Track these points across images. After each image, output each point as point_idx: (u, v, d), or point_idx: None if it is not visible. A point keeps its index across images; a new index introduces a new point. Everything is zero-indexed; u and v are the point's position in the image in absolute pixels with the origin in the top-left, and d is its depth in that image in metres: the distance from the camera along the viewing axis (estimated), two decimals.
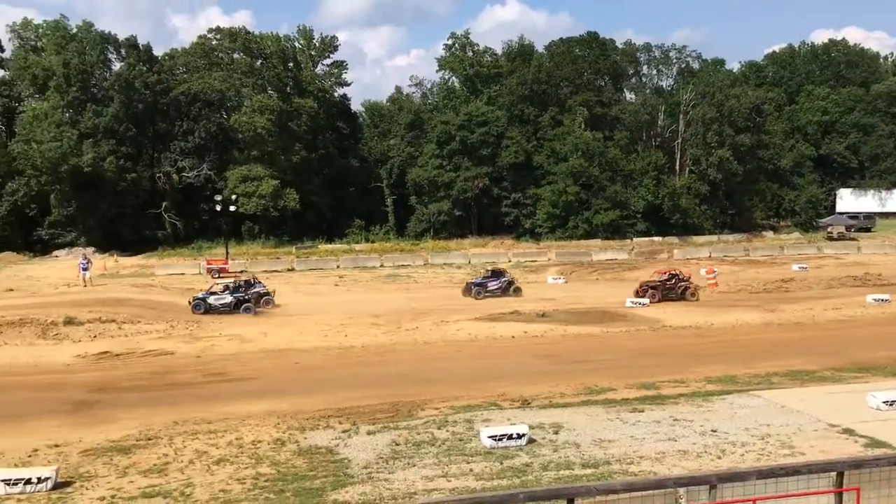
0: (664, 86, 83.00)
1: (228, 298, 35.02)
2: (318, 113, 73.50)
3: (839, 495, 8.02)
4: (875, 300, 35.08)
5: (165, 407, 19.12)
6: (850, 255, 56.79)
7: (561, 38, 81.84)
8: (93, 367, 24.78)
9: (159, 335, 29.62)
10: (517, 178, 72.44)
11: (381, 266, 53.36)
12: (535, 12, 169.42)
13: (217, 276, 48.06)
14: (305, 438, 16.26)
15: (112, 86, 67.21)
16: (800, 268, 49.06)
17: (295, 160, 70.12)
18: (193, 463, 14.79)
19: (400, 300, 37.88)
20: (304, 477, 13.88)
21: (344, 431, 16.67)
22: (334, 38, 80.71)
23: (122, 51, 71.19)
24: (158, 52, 74.38)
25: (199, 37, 76.50)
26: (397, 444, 15.58)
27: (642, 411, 17.72)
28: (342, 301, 38.42)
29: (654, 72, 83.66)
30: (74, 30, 71.94)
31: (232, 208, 58.87)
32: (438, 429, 16.63)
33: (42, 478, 13.41)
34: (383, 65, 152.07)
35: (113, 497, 13.06)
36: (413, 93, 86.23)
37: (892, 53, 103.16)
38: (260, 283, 38.17)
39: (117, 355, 26.26)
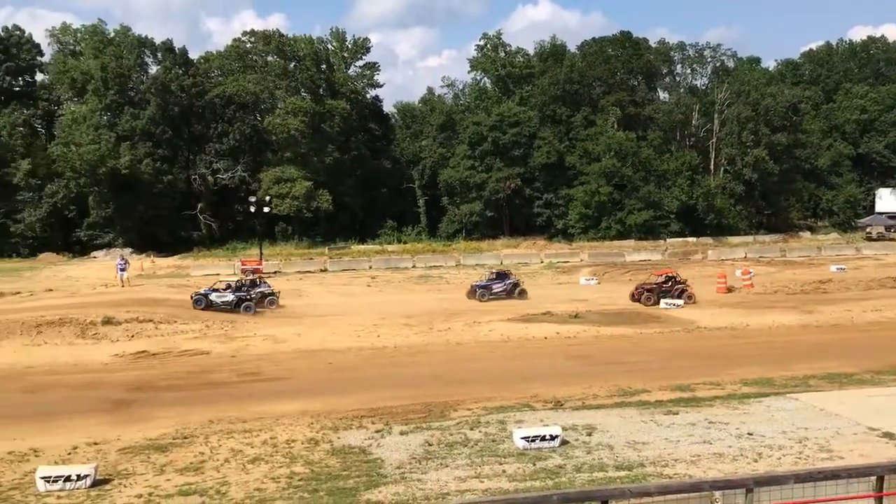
0: (698, 85, 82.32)
1: (230, 297, 35.18)
2: (350, 114, 73.95)
3: (879, 500, 7.87)
4: None
5: (201, 406, 19.31)
6: (889, 256, 55.76)
7: (594, 38, 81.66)
8: (130, 367, 25.13)
9: (195, 335, 29.95)
10: (549, 179, 72.22)
11: (413, 267, 53.49)
12: (567, 12, 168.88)
13: (251, 276, 48.48)
14: (339, 438, 16.33)
15: (149, 89, 68.28)
16: (838, 269, 48.24)
17: (328, 161, 70.61)
18: (229, 461, 14.93)
19: (432, 301, 37.91)
20: (337, 476, 13.94)
21: (377, 431, 16.72)
22: (366, 39, 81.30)
23: (159, 54, 72.28)
24: (193, 55, 75.56)
25: (234, 40, 77.53)
26: (430, 445, 15.58)
27: (677, 413, 17.54)
28: (374, 302, 38.56)
29: (689, 71, 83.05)
30: (112, 34, 73.22)
31: (266, 209, 59.42)
32: (471, 429, 16.61)
33: (81, 475, 13.60)
34: (415, 66, 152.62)
35: (150, 494, 13.22)
36: (445, 94, 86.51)
37: None
38: (265, 283, 38.34)
39: (154, 355, 26.61)
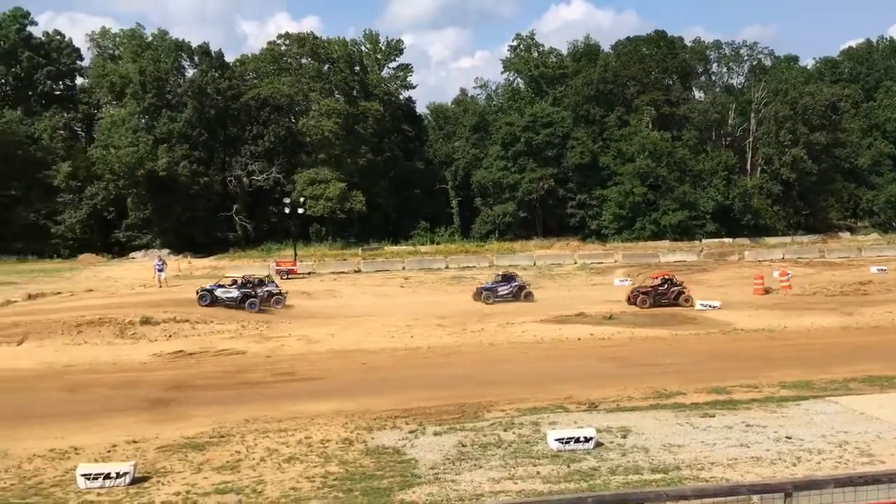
0: (735, 84, 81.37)
1: (234, 293, 35.33)
2: (383, 116, 74.29)
3: None
4: None
5: (237, 405, 19.50)
6: None
7: (628, 37, 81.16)
8: (168, 366, 25.47)
9: (231, 335, 30.28)
10: (583, 179, 71.89)
11: (447, 268, 53.54)
12: (600, 11, 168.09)
13: (286, 277, 48.98)
14: (373, 438, 16.38)
15: (185, 92, 69.26)
16: (879, 270, 47.31)
17: (361, 163, 71.00)
18: (264, 460, 15.05)
19: (465, 302, 37.88)
20: (371, 476, 13.99)
21: (411, 432, 16.75)
22: (400, 41, 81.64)
23: (195, 58, 73.30)
24: (229, 58, 76.46)
25: (269, 43, 78.32)
26: (464, 446, 15.57)
27: (713, 416, 17.33)
28: (408, 302, 38.68)
29: (725, 69, 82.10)
30: (150, 38, 74.41)
31: (300, 211, 59.89)
32: (505, 431, 16.57)
33: (121, 473, 13.79)
34: (448, 67, 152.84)
35: (188, 492, 13.38)
36: (478, 94, 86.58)
37: None
38: (273, 283, 38.57)
39: (191, 354, 26.95)
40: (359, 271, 53.40)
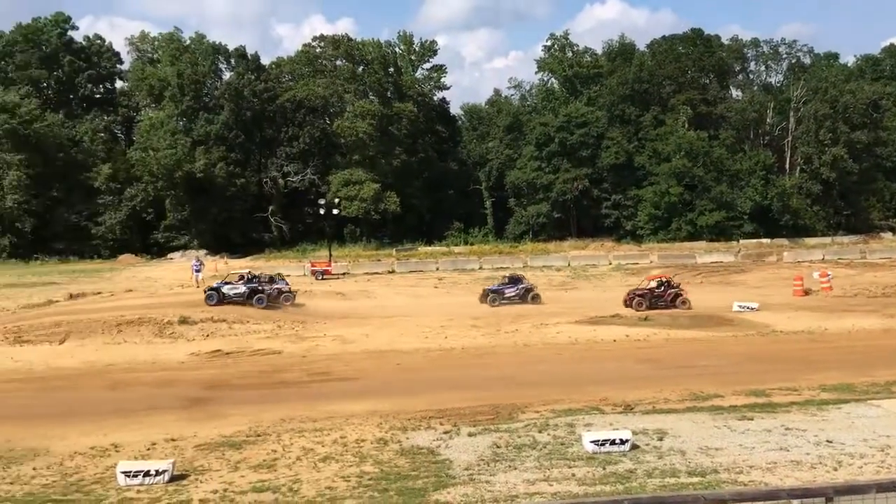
0: (773, 82, 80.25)
1: (242, 288, 35.44)
2: (417, 117, 74.48)
3: None
4: None
5: (273, 404, 19.69)
6: None
7: (663, 36, 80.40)
8: (206, 365, 25.80)
9: (267, 335, 30.58)
10: (618, 180, 71.41)
11: (480, 268, 53.48)
12: (635, 10, 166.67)
13: (321, 277, 49.32)
14: (407, 438, 16.44)
15: (222, 94, 70.14)
16: None
17: (395, 164, 71.27)
18: (300, 460, 15.18)
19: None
20: (406, 476, 14.04)
21: (445, 432, 16.77)
22: (433, 42, 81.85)
23: (232, 60, 74.19)
24: (265, 60, 77.17)
25: (304, 45, 79.05)
26: (498, 447, 15.56)
27: (751, 419, 17.11)
28: (442, 303, 38.70)
29: (763, 68, 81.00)
30: (188, 41, 75.41)
31: (335, 211, 60.24)
32: (539, 432, 16.52)
33: (160, 470, 14.01)
34: (482, 67, 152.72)
35: (225, 490, 13.54)
36: (512, 95, 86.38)
37: None
38: (283, 280, 38.73)
39: (228, 354, 27.28)
40: (393, 272, 53.57)
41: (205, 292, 35.57)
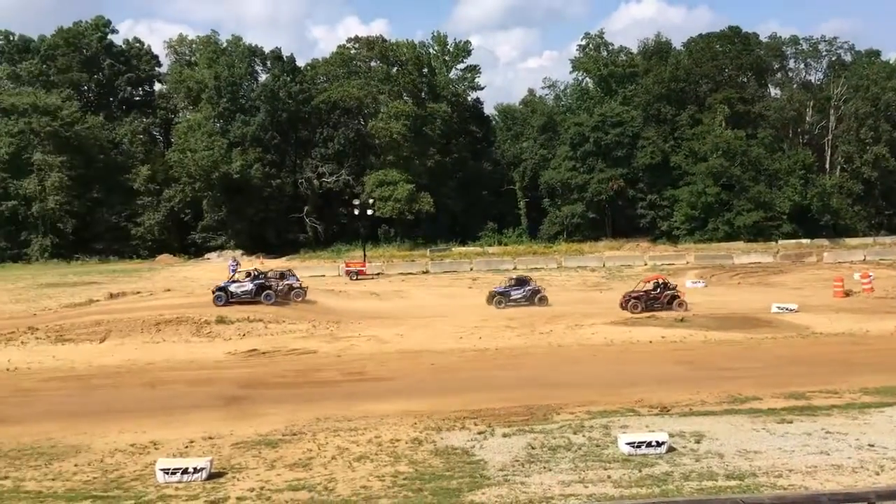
0: (813, 80, 78.97)
1: (249, 286, 35.32)
2: (451, 117, 74.55)
3: None
4: None
5: (309, 404, 19.81)
6: None
7: (700, 34, 79.47)
8: (242, 364, 26.05)
9: (302, 335, 30.79)
10: (653, 179, 70.82)
11: (514, 269, 53.32)
12: (672, 8, 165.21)
13: (355, 277, 49.59)
14: (442, 439, 16.44)
15: (259, 96, 70.91)
16: None
17: (429, 164, 71.43)
18: (335, 459, 15.25)
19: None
20: (441, 477, 14.04)
21: (479, 433, 16.75)
22: (467, 42, 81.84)
23: (268, 62, 74.89)
24: (300, 62, 77.78)
25: (339, 46, 79.57)
26: (533, 448, 15.50)
27: (791, 422, 16.85)
28: (476, 303, 38.61)
29: (802, 66, 79.77)
30: (224, 44, 76.28)
31: (369, 212, 60.53)
32: (574, 434, 16.43)
33: (197, 468, 14.17)
34: (515, 67, 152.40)
35: (262, 489, 13.66)
36: (546, 95, 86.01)
37: None
38: (294, 276, 38.86)
39: (264, 353, 27.52)
40: (427, 272, 53.65)
41: (212, 293, 35.40)
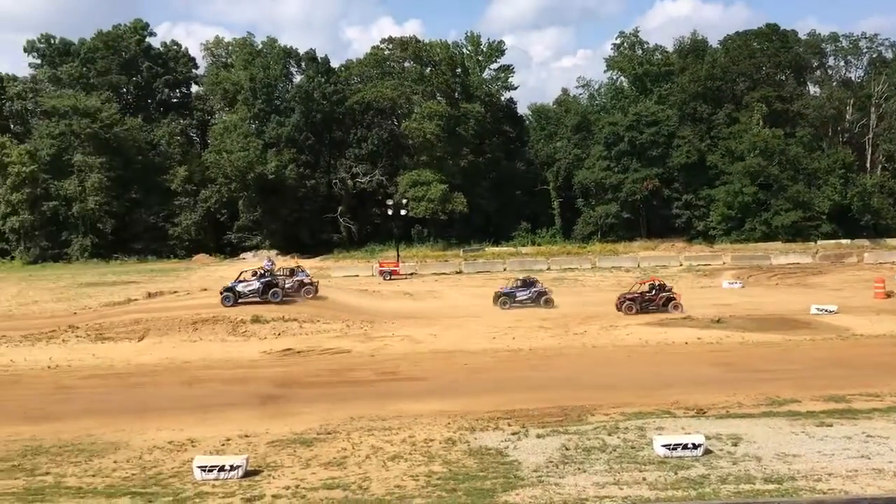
0: (853, 78, 77.37)
1: (256, 284, 35.26)
2: (485, 117, 74.41)
3: None
4: None
5: (343, 403, 19.96)
6: None
7: (737, 32, 78.21)
8: (277, 363, 26.32)
9: (336, 334, 31.00)
10: (689, 179, 70.05)
11: (548, 269, 53.15)
12: (708, 6, 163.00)
13: (388, 277, 49.77)
14: (475, 439, 16.47)
15: (293, 97, 71.48)
16: None
17: (463, 164, 71.39)
18: (370, 458, 15.35)
19: (567, 303, 37.48)
20: (474, 477, 14.07)
21: (513, 434, 16.75)
22: (501, 42, 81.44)
23: (303, 64, 75.42)
24: (334, 63, 78.15)
25: (373, 47, 79.74)
26: (567, 449, 15.47)
27: (831, 426, 16.61)
28: None
29: (842, 63, 78.14)
30: (260, 46, 76.94)
31: (402, 212, 60.71)
32: (609, 435, 16.36)
33: (234, 466, 14.37)
34: (549, 67, 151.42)
35: (297, 487, 13.79)
36: (580, 94, 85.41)
37: None
38: (304, 272, 38.84)
39: (299, 352, 27.77)
40: (460, 272, 53.66)
41: (220, 294, 35.46)
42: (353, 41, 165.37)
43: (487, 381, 22.67)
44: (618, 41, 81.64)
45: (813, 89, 78.23)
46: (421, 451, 15.69)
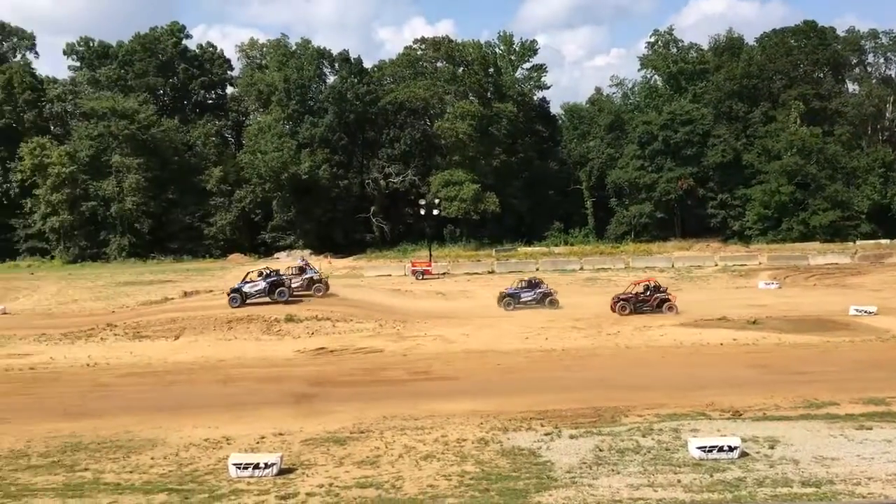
0: (893, 75, 75.91)
1: (262, 284, 35.52)
2: (517, 117, 74.23)
3: None
4: None
5: (376, 402, 20.04)
6: None
7: (774, 29, 77.31)
8: (311, 362, 26.49)
9: (369, 333, 31.14)
10: (724, 178, 69.26)
11: (581, 269, 52.86)
12: (744, 3, 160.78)
13: (421, 277, 49.85)
14: (508, 439, 16.45)
15: (327, 98, 71.94)
16: None
17: (495, 164, 71.31)
18: (402, 457, 15.40)
19: (600, 304, 37.21)
20: (507, 477, 14.05)
21: (546, 434, 16.69)
22: (534, 41, 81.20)
23: (336, 64, 75.80)
24: (367, 64, 78.44)
25: (405, 47, 79.86)
26: (600, 450, 15.38)
27: (870, 429, 16.32)
28: None
29: (881, 60, 76.80)
30: (294, 47, 77.53)
31: (435, 212, 60.78)
32: (643, 436, 16.24)
33: (268, 463, 14.52)
34: (582, 66, 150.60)
35: (331, 485, 13.88)
36: (613, 93, 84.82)
37: None
38: (314, 269, 38.97)
39: (332, 351, 27.94)
40: (492, 272, 53.54)
41: (227, 295, 35.74)
42: (386, 42, 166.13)
43: (520, 382, 22.62)
44: (652, 39, 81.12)
45: (852, 87, 77.05)
46: (453, 451, 15.70)
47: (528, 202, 73.29)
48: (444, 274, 52.27)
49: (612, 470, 14.23)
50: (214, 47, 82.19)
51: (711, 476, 13.70)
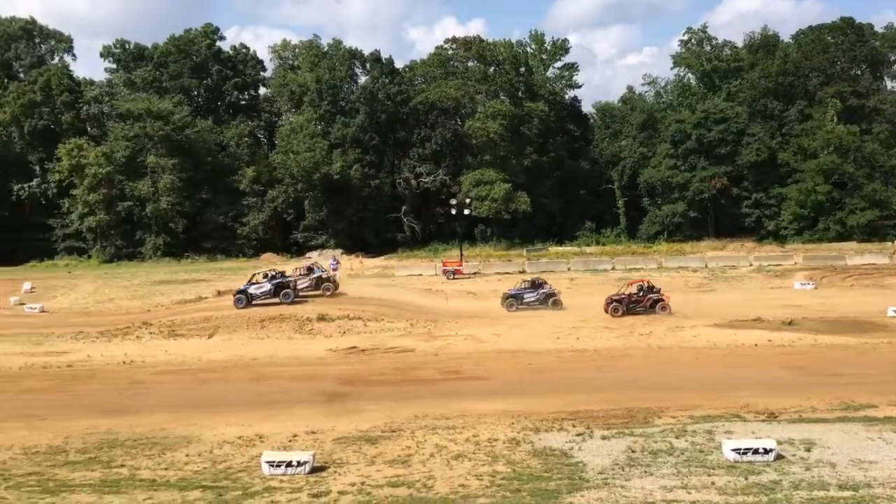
0: None
1: (267, 286, 35.80)
2: (548, 116, 73.99)
3: None
4: None
5: (407, 401, 20.10)
6: None
7: (810, 26, 76.08)
8: (343, 361, 26.65)
9: (400, 333, 31.25)
10: (759, 177, 68.37)
11: (613, 269, 52.48)
12: (779, 0, 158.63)
13: (452, 277, 49.87)
14: (540, 440, 16.40)
15: (358, 98, 72.31)
16: None
17: (526, 163, 71.12)
18: (434, 457, 15.42)
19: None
20: (539, 478, 14.01)
21: (578, 435, 16.62)
22: (565, 40, 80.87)
23: (367, 65, 76.11)
24: (399, 64, 78.65)
25: (436, 47, 79.96)
26: (633, 451, 15.28)
27: None
28: (574, 304, 38.15)
29: None
30: (325, 48, 78.02)
31: (466, 212, 60.74)
32: (676, 438, 16.10)
33: (301, 461, 14.63)
34: (614, 64, 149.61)
35: (362, 484, 13.94)
36: (646, 91, 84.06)
37: None
38: (320, 268, 39.17)
39: (364, 350, 28.09)
40: (523, 272, 53.28)
41: (233, 296, 36.16)
42: (417, 42, 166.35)
43: (552, 382, 22.56)
44: (685, 37, 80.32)
45: (890, 84, 75.68)
46: (485, 451, 15.70)
47: (560, 202, 72.99)
48: (475, 274, 52.24)
49: (645, 471, 14.12)
50: (247, 48, 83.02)
51: (746, 479, 13.55)
